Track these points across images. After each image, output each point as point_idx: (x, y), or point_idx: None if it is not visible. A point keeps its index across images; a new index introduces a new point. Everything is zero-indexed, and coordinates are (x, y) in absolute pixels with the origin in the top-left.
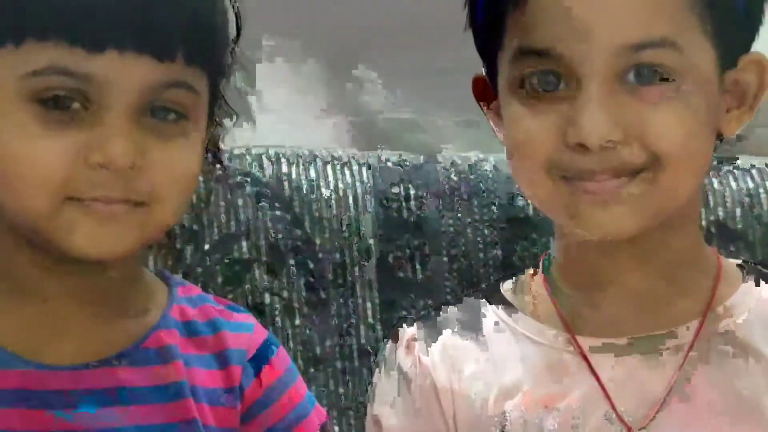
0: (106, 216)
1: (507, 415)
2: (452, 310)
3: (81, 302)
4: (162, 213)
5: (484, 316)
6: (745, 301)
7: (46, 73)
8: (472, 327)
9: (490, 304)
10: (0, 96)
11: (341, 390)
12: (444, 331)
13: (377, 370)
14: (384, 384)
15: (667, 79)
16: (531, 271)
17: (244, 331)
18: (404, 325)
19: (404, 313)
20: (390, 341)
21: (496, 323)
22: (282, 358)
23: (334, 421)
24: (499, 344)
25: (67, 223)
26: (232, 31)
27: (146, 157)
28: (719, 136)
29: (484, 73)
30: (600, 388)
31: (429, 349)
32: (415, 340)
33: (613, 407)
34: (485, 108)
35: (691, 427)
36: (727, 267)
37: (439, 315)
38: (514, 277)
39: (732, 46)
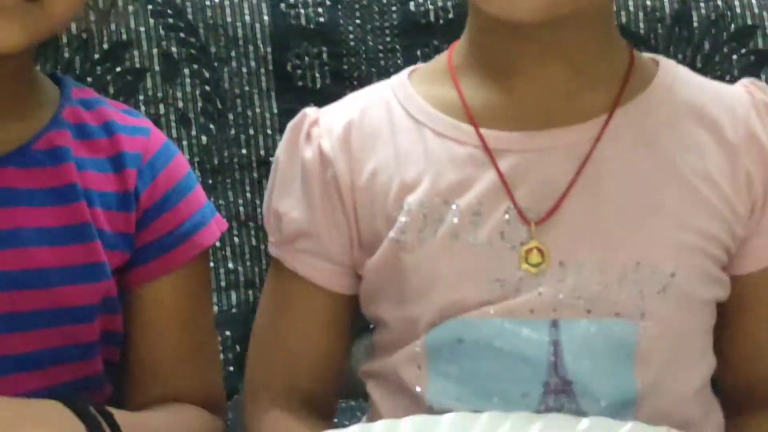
0: None
1: (407, 208)
2: (356, 101)
3: None
4: (54, 7)
5: (388, 108)
6: (655, 96)
7: None
8: (375, 119)
9: (395, 96)
10: None
11: (240, 201)
12: (346, 122)
13: (275, 160)
14: (283, 175)
15: None
16: (438, 61)
17: (140, 135)
18: (305, 111)
19: None
20: (290, 129)
21: (401, 116)
22: (180, 164)
23: (235, 233)
24: (403, 137)
25: None
26: None
27: None
28: None
29: None
30: (501, 183)
31: (331, 139)
32: (316, 125)
33: (514, 202)
34: None
35: (593, 220)
36: (642, 62)
37: (342, 105)
38: (420, 68)
39: None
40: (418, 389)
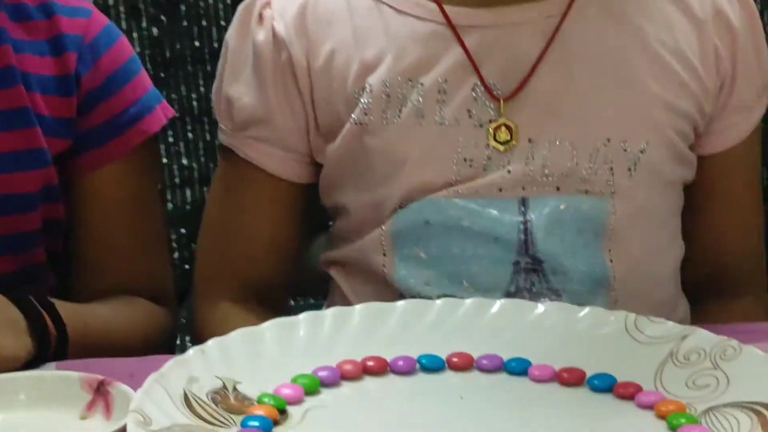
0: None
1: (368, 89)
2: None
3: None
4: None
5: None
6: None
7: None
8: None
9: None
10: None
11: (194, 95)
12: (301, 2)
13: (225, 44)
14: (234, 59)
15: None
16: None
17: (81, 17)
18: None
19: None
20: (241, 11)
21: None
22: (123, 47)
23: (188, 129)
24: (361, 16)
25: None
26: None
27: None
28: None
29: None
30: (468, 59)
31: (284, 21)
32: (269, 7)
33: (481, 79)
34: None
35: (562, 96)
36: None
37: None
38: None
39: None
40: (385, 274)
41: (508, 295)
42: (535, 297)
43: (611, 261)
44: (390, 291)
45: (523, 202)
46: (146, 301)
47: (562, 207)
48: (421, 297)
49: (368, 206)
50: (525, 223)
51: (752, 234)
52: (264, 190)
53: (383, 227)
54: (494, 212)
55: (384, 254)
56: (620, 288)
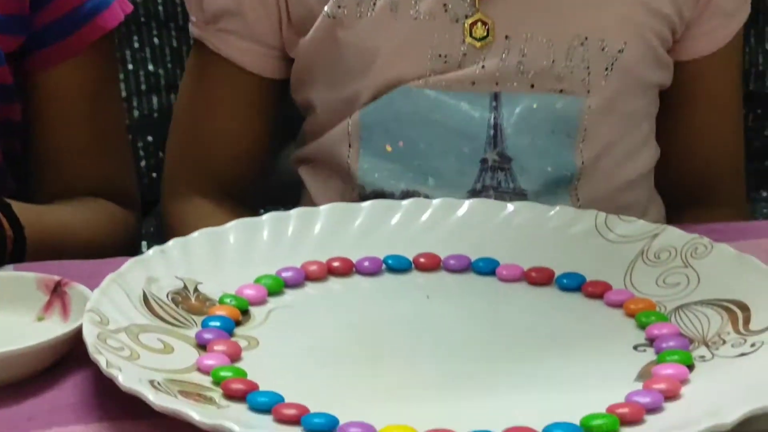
0: None
1: None
2: None
3: None
4: None
5: None
6: None
7: None
8: None
9: None
10: None
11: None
12: None
13: None
14: None
15: None
16: None
17: None
18: None
19: None
20: None
21: None
22: None
23: (154, 34)
24: None
25: None
26: None
27: None
28: None
29: None
30: None
31: None
32: None
33: None
34: None
35: None
36: None
37: None
38: None
39: None
40: (349, 167)
41: (474, 193)
42: (500, 196)
43: (582, 162)
44: (353, 187)
45: (496, 97)
46: (108, 202)
47: (534, 105)
48: (384, 192)
49: (339, 102)
50: (496, 118)
51: (730, 140)
52: (234, 84)
53: (350, 118)
54: (465, 105)
55: (350, 145)
56: (586, 188)
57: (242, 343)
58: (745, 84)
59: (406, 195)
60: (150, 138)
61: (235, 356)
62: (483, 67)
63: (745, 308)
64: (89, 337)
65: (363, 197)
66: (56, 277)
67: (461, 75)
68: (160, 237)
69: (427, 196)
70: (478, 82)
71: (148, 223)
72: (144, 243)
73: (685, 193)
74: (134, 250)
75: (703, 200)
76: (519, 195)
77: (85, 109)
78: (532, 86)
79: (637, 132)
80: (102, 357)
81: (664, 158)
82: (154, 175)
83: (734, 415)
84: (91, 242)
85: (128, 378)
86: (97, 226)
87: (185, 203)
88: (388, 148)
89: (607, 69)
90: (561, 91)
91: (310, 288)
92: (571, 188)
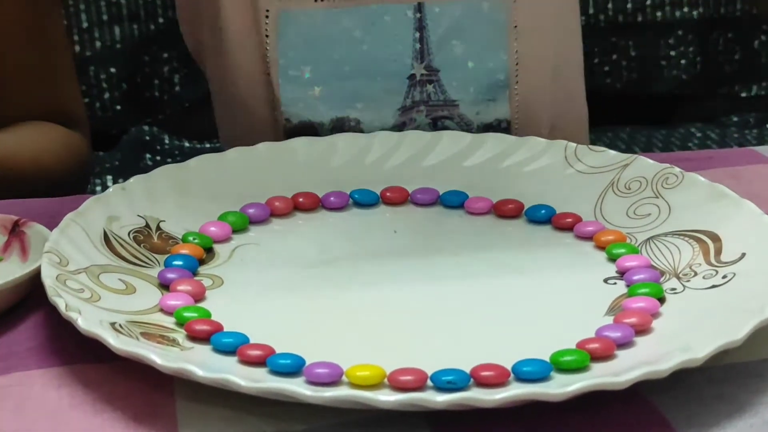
0: None
1: None
2: None
3: None
4: None
5: None
6: None
7: None
8: None
9: None
10: None
11: None
12: None
13: None
14: None
15: None
16: None
17: None
18: None
19: None
20: None
21: None
22: None
23: None
24: None
25: None
26: None
27: None
28: None
29: None
30: None
31: None
32: None
33: None
34: None
35: None
36: None
37: None
38: None
39: None
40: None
41: (404, 109)
42: (432, 110)
43: (517, 64)
44: (275, 120)
45: (419, 7)
46: (55, 124)
47: (458, 13)
48: (311, 122)
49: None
50: (420, 30)
51: None
52: None
53: (267, 45)
54: (388, 18)
55: (267, 73)
56: (523, 92)
57: (206, 282)
58: (716, 8)
59: (334, 123)
60: (113, 69)
61: (198, 296)
62: None
63: (716, 238)
64: (48, 279)
65: (289, 129)
66: (14, 217)
67: None
68: (125, 170)
69: (357, 121)
70: None
71: (112, 156)
72: (109, 177)
73: None
74: (86, 172)
75: None
76: (451, 106)
77: (25, 33)
78: None
79: (572, 31)
80: (61, 300)
81: None
82: (118, 107)
83: (706, 349)
84: (42, 164)
85: (88, 321)
86: (47, 150)
87: None
88: (308, 74)
89: None
90: None
91: (276, 224)
92: (505, 93)
